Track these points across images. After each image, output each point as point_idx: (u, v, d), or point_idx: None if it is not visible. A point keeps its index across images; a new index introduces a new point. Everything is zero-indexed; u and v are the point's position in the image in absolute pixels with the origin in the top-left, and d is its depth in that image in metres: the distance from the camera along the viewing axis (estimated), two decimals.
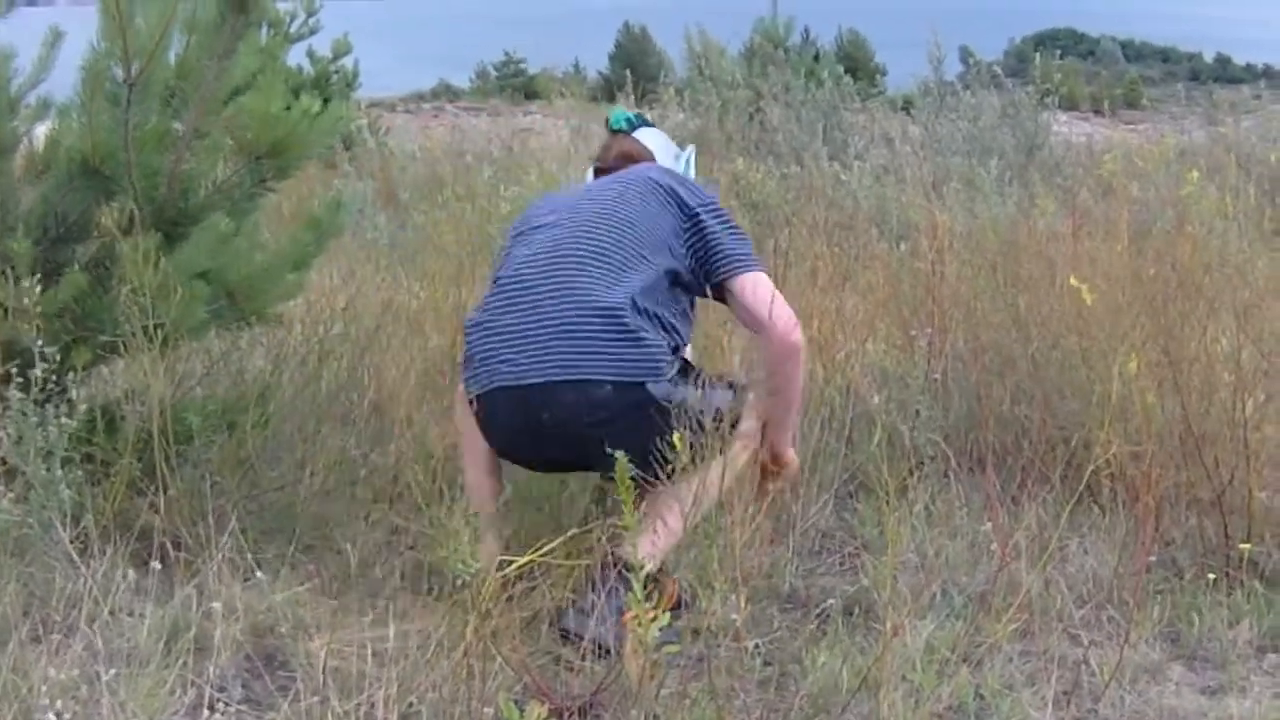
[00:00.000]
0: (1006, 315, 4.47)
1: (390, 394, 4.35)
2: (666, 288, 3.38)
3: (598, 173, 3.89)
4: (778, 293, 3.44)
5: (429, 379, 4.43)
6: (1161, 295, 4.02)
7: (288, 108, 3.63)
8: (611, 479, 2.62)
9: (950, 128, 9.89)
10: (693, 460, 2.93)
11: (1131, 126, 21.94)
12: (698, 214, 3.49)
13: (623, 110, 4.04)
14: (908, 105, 12.82)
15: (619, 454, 2.56)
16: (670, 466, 2.87)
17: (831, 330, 4.67)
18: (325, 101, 3.75)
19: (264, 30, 4.00)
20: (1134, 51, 59.01)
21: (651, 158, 3.84)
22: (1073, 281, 3.92)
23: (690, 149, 3.97)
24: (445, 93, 32.44)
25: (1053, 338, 4.33)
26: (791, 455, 3.68)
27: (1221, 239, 4.82)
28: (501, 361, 3.25)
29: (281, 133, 3.62)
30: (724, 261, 3.46)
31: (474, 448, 3.46)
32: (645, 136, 3.92)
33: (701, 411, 3.08)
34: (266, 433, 3.76)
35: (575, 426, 3.17)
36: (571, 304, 3.24)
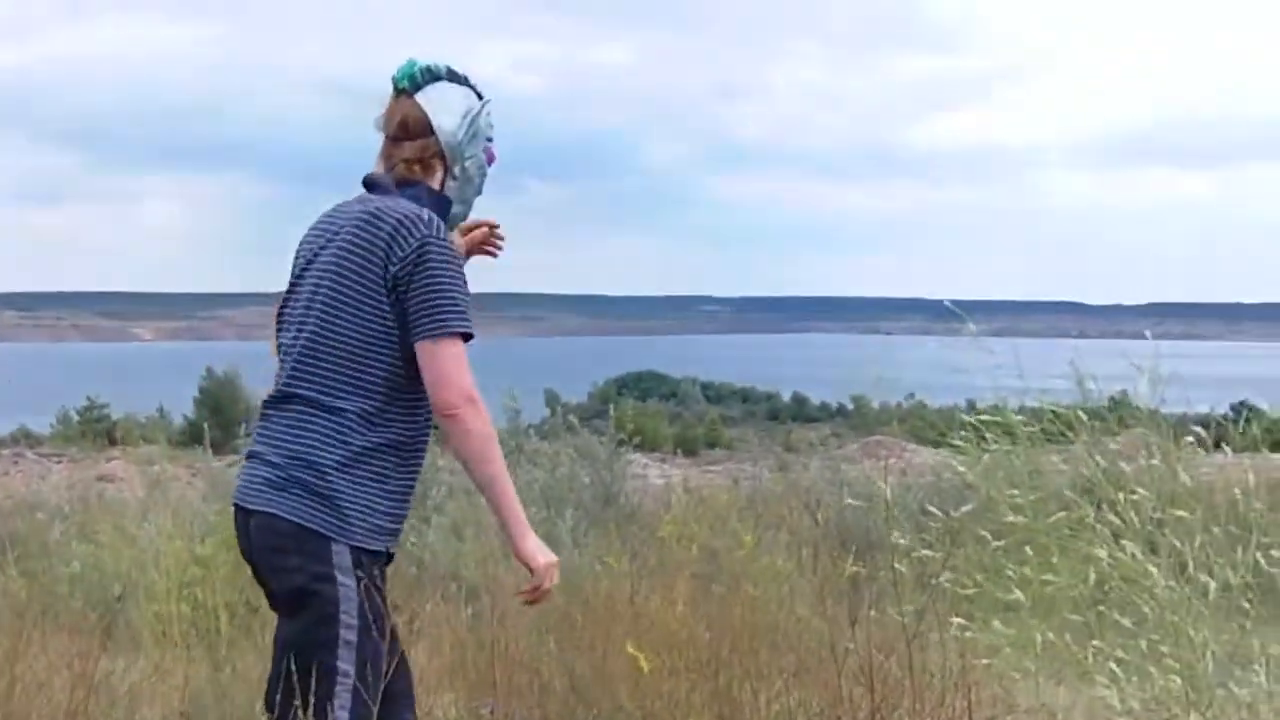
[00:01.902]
0: (569, 681, 4.44)
1: None
2: (381, 400, 3.32)
3: (369, 178, 3.52)
4: (458, 362, 3.28)
5: None
6: (716, 659, 4.07)
7: None
8: None
9: (527, 476, 9.96)
10: None
11: (711, 467, 22.76)
12: (398, 278, 3.27)
13: (414, 61, 3.54)
14: None
15: None
16: None
17: None
18: None
19: None
20: (715, 393, 61.70)
21: (429, 130, 3.48)
22: (629, 649, 3.93)
23: (482, 106, 3.55)
24: (25, 438, 31.47)
25: (615, 703, 4.30)
26: (532, 551, 3.39)
27: (778, 599, 4.93)
28: (240, 478, 3.49)
29: None
30: (415, 325, 3.27)
31: None
32: (430, 100, 3.51)
33: (332, 653, 3.19)
34: None
35: (263, 543, 3.34)
36: (288, 448, 3.34)
